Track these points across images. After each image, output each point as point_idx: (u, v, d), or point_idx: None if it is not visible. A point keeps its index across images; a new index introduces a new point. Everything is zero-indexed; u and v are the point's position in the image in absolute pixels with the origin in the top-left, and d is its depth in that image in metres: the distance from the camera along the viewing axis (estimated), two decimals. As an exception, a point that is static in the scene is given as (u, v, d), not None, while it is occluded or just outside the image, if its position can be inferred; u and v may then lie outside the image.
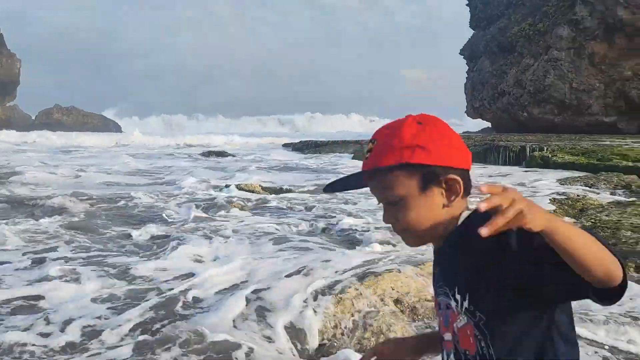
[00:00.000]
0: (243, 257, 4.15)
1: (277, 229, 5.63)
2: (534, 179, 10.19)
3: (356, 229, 5.43)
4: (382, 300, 3.02)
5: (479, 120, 34.91)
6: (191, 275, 3.82)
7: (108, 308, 3.17)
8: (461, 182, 1.12)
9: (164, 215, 6.63)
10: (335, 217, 6.28)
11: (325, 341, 2.73)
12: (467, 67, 34.55)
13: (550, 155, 13.40)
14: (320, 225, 5.81)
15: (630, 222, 5.10)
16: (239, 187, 9.14)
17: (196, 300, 3.28)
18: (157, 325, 2.87)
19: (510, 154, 14.88)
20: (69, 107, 67.15)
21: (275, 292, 3.12)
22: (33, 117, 64.87)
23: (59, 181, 10.92)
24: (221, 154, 20.76)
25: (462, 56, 35.21)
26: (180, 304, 3.18)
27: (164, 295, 3.36)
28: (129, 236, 5.36)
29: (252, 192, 9.14)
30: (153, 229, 5.61)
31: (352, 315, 2.88)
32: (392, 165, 1.08)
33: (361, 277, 3.20)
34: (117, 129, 59.75)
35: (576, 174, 10.95)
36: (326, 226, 5.79)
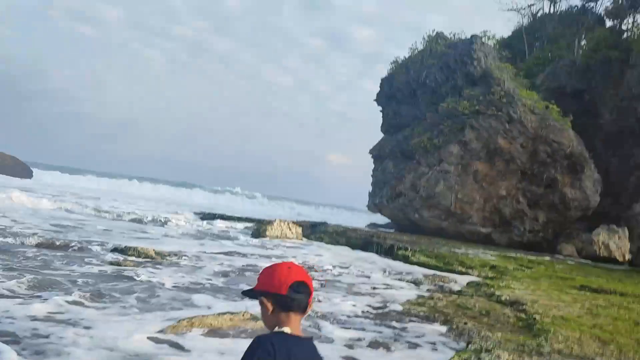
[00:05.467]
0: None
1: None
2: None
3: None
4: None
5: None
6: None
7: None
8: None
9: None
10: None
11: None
12: (374, 166, 38.17)
13: (410, 255, 16.07)
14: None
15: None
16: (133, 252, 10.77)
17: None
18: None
19: (381, 248, 17.52)
20: (-20, 144, 64.86)
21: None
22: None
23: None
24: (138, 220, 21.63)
25: (371, 155, 38.92)
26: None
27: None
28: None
29: (147, 256, 10.81)
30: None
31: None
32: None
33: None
34: (28, 174, 58.23)
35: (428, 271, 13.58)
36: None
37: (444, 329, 6.65)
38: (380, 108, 40.65)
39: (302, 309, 1.98)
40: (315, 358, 2.01)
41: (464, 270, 13.99)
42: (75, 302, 6.07)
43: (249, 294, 2.06)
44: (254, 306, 6.67)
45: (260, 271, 2.08)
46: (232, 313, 5.91)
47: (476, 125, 30.43)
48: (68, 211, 19.34)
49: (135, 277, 8.15)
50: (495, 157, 30.08)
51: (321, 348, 2.05)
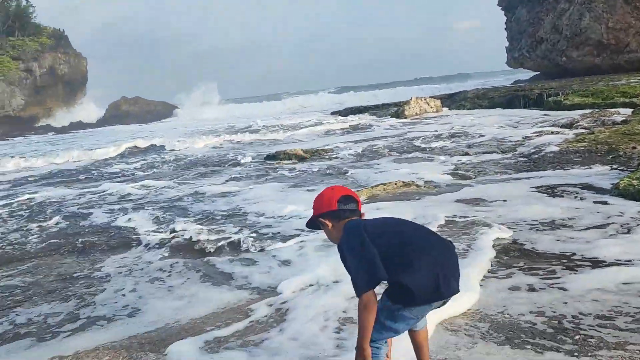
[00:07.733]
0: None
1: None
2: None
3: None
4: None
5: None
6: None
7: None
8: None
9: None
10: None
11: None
12: (506, 18, 35.15)
13: (562, 100, 14.88)
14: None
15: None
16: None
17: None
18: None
19: (529, 101, 16.43)
20: (135, 97, 71.67)
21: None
22: (103, 112, 69.55)
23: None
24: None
25: (500, 7, 35.77)
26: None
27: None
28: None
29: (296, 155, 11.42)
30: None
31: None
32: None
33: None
34: (172, 113, 63.76)
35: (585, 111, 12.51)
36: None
37: (609, 157, 6.22)
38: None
39: (356, 216, 2.18)
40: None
41: (627, 100, 12.72)
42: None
43: (311, 225, 2.29)
44: (405, 176, 6.80)
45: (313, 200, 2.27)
46: (384, 184, 6.10)
47: (617, -64, 26.18)
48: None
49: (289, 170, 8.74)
50: (648, -32, 25.84)
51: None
